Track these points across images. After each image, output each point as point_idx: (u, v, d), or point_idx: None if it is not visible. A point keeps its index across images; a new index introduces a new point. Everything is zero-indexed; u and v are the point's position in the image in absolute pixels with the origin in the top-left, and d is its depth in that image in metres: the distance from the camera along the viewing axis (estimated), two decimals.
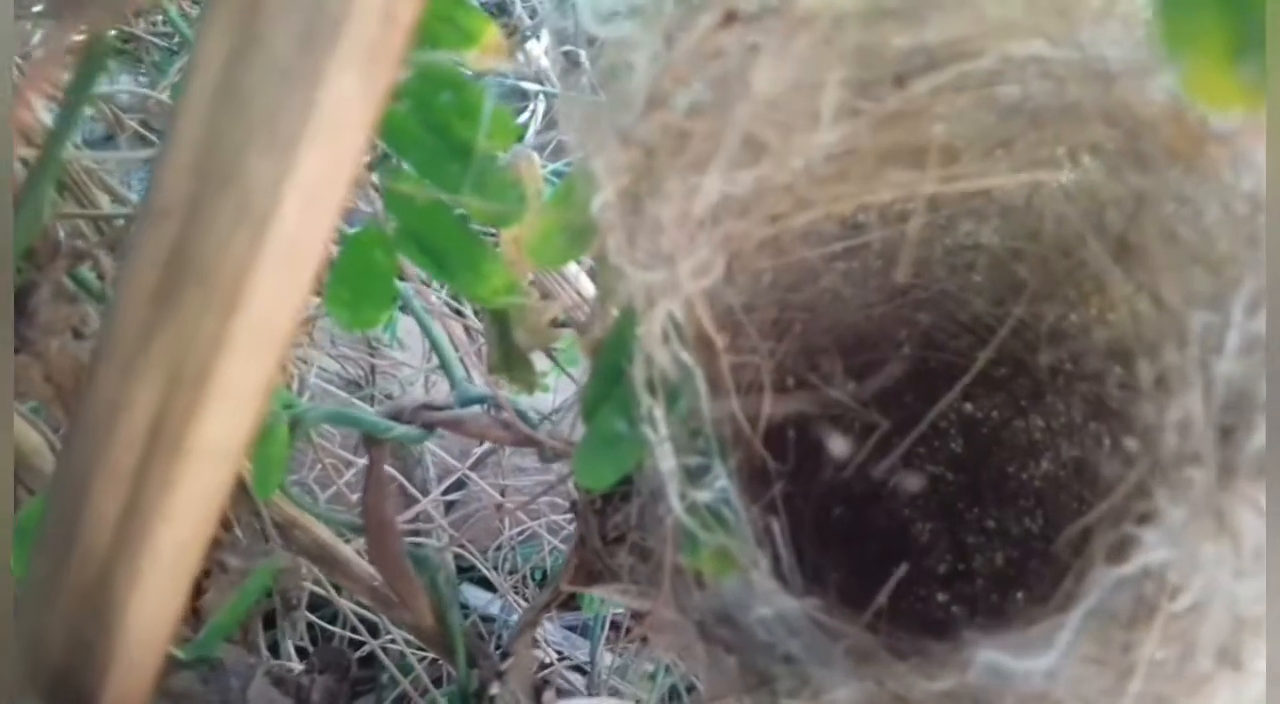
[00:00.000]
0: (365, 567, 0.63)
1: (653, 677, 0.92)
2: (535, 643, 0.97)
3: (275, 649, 0.70)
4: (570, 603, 1.11)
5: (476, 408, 0.54)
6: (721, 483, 0.31)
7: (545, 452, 0.52)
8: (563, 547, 1.07)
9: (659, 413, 0.30)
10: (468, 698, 0.53)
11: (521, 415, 0.53)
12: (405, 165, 0.32)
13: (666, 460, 0.30)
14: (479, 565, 1.02)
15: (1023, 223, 0.34)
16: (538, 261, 0.34)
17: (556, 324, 0.48)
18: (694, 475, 0.31)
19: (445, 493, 1.08)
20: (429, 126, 0.30)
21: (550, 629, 1.09)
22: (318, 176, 0.21)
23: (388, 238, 0.33)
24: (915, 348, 0.39)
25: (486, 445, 1.13)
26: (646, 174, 0.27)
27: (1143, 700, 0.26)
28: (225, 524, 0.49)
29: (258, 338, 0.22)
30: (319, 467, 0.85)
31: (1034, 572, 0.37)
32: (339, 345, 1.03)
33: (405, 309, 0.70)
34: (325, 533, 0.61)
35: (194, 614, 0.48)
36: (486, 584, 1.06)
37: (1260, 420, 0.23)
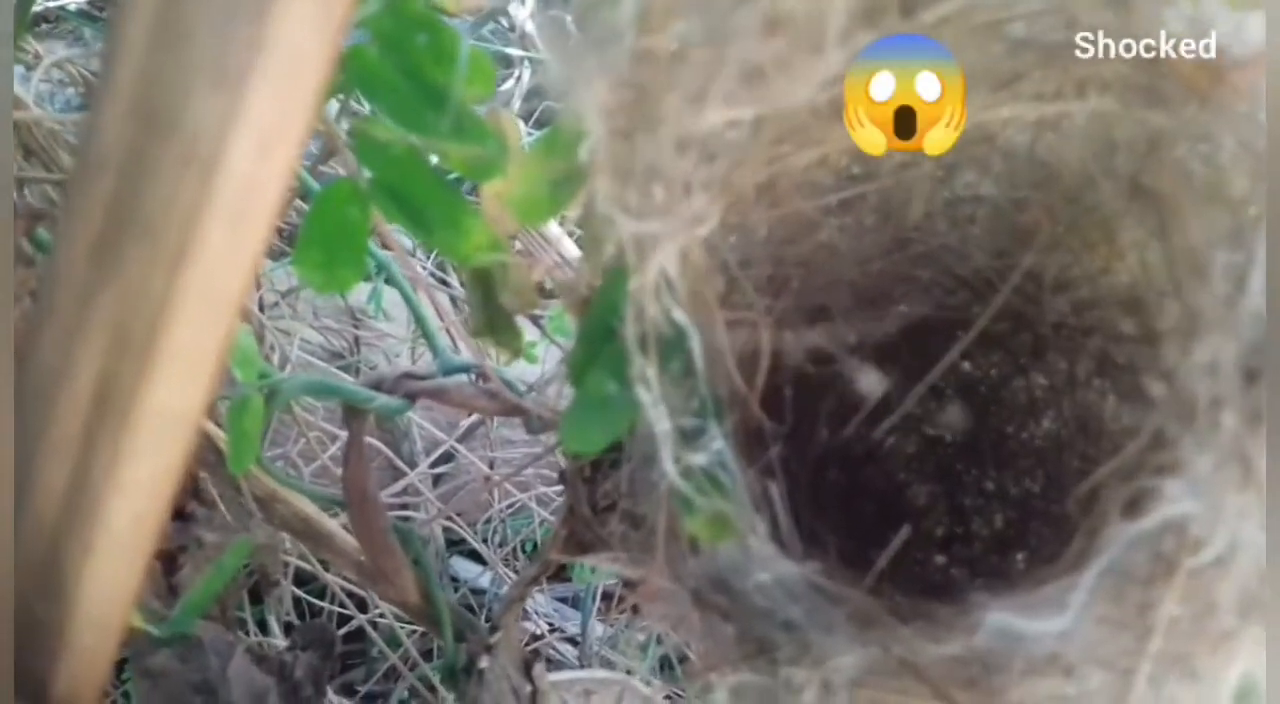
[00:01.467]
0: (350, 541, 0.61)
1: (644, 647, 0.92)
2: (525, 615, 0.97)
3: (263, 626, 0.69)
4: (561, 574, 1.11)
5: (461, 377, 0.52)
6: (717, 445, 0.30)
7: (532, 422, 0.51)
8: (553, 518, 1.06)
9: (652, 372, 0.28)
10: (456, 672, 0.52)
11: (507, 384, 0.51)
12: (378, 113, 0.30)
13: (661, 422, 0.28)
14: (469, 539, 1.01)
15: (1027, 170, 0.33)
16: (521, 216, 0.32)
17: (543, 291, 0.46)
18: (689, 438, 0.29)
19: (433, 466, 1.07)
20: (402, 70, 0.28)
21: (541, 601, 1.09)
22: (270, 118, 0.19)
23: (361, 192, 0.31)
24: (914, 305, 0.38)
25: (474, 417, 1.12)
26: (637, 113, 0.25)
27: (1162, 660, 0.25)
28: (200, 498, 0.47)
29: (209, 296, 0.21)
30: (303, 441, 0.83)
31: (1035, 532, 0.36)
32: (321, 317, 1.01)
33: (388, 279, 0.68)
34: (309, 508, 0.59)
35: (170, 591, 0.46)
36: (477, 557, 1.06)
37: None
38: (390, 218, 0.32)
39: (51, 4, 0.85)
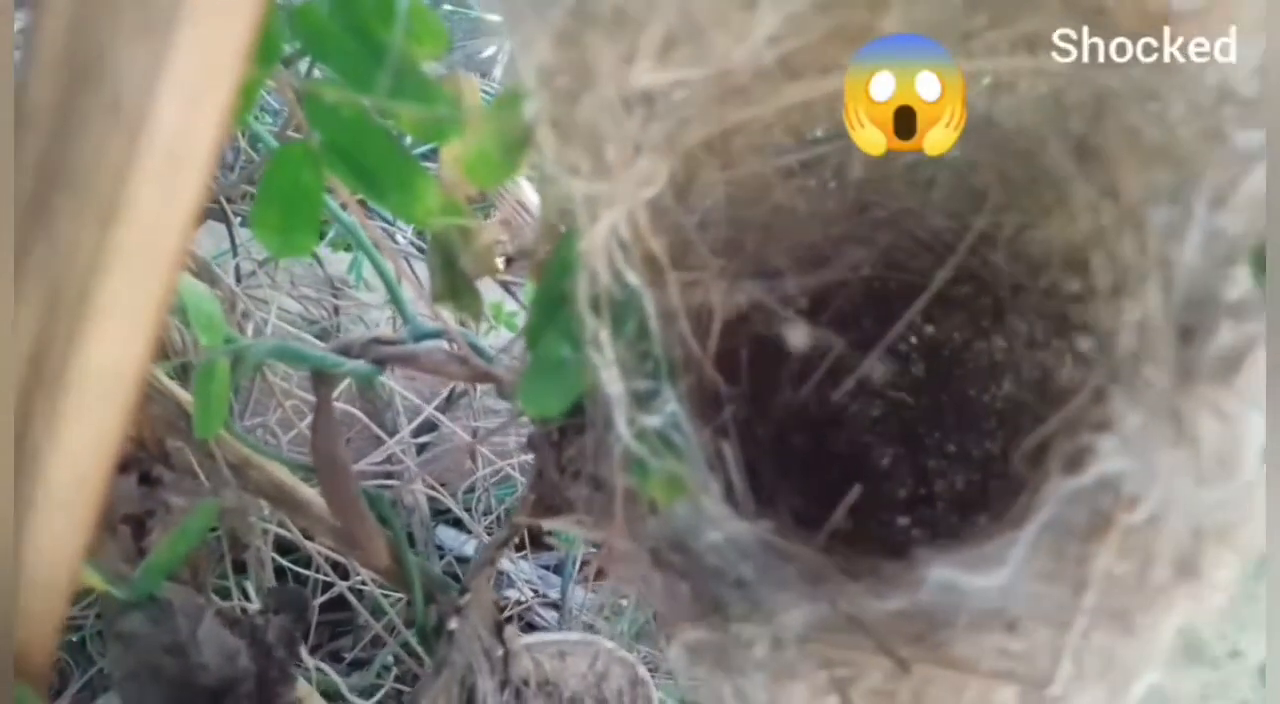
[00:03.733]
0: (326, 508, 0.62)
1: (619, 612, 0.93)
2: (510, 582, 0.97)
3: (247, 595, 0.69)
4: (542, 541, 1.11)
5: (431, 343, 0.52)
6: (671, 407, 0.30)
7: (503, 387, 0.51)
8: None
9: (605, 335, 0.29)
10: (426, 634, 0.52)
11: (477, 350, 0.51)
12: (328, 74, 0.30)
13: (614, 385, 0.29)
14: (452, 508, 1.01)
15: (981, 132, 0.33)
16: (473, 178, 0.32)
17: (507, 255, 0.46)
18: (643, 400, 0.30)
19: (416, 435, 1.07)
20: (350, 28, 0.27)
21: (525, 567, 1.09)
22: (196, 68, 0.19)
23: (315, 154, 0.31)
24: (874, 268, 0.38)
25: (458, 387, 1.12)
26: (580, 73, 0.25)
27: (1099, 615, 0.26)
28: (170, 464, 0.47)
29: (142, 252, 0.21)
30: (279, 410, 0.83)
31: (995, 492, 0.37)
32: (299, 285, 1.01)
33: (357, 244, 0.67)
34: (283, 474, 0.59)
35: (139, 555, 0.47)
36: (462, 526, 1.06)
37: (1224, 323, 0.22)
38: (342, 180, 0.31)
39: None
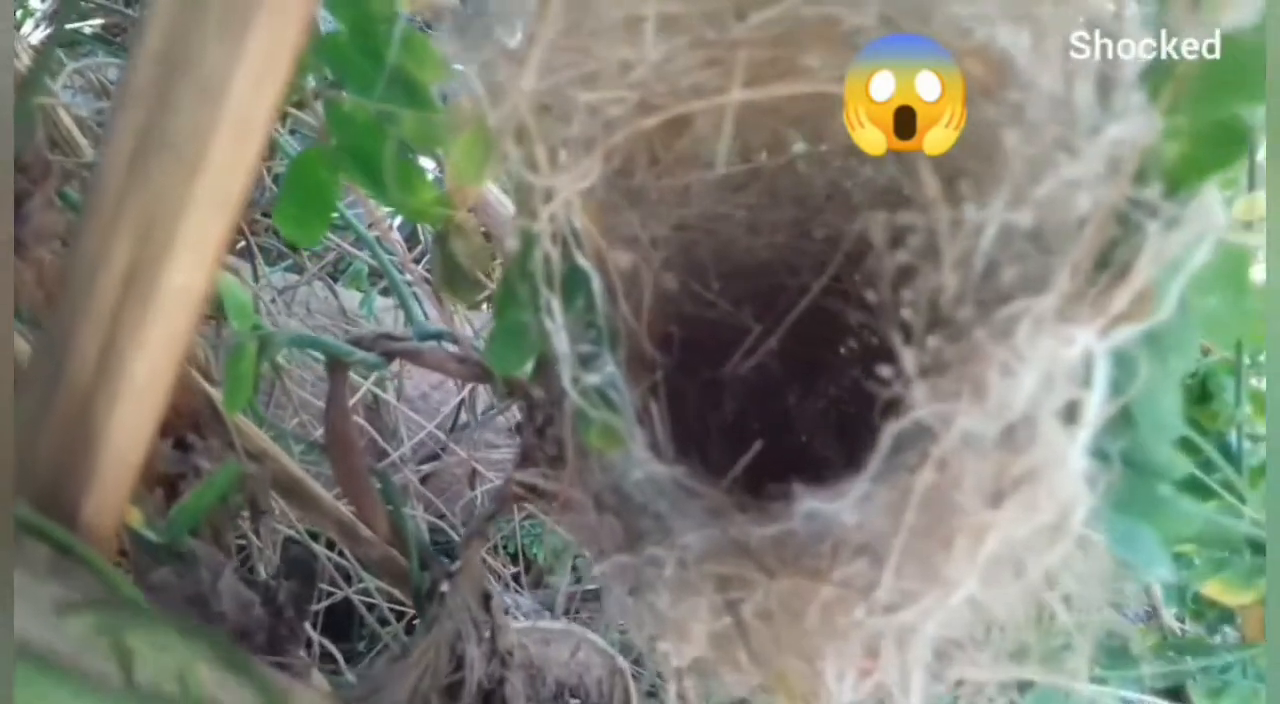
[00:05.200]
0: (333, 502, 0.68)
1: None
2: (505, 611, 1.04)
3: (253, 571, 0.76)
4: (541, 581, 1.17)
5: (434, 342, 0.59)
6: (609, 369, 0.35)
7: (498, 386, 0.57)
8: (529, 519, 1.14)
9: (556, 304, 0.34)
10: (420, 597, 0.59)
11: (478, 351, 0.58)
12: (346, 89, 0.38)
13: (561, 346, 0.34)
14: (453, 536, 1.08)
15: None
16: (459, 178, 0.39)
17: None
18: (586, 361, 0.35)
19: (420, 463, 1.15)
20: (361, 50, 0.35)
21: (524, 602, 1.14)
22: (264, 58, 0.27)
23: (330, 157, 0.39)
24: (779, 266, 0.45)
25: (462, 419, 1.20)
26: (531, 90, 0.32)
27: (920, 535, 0.31)
28: (198, 431, 0.54)
29: (216, 196, 0.29)
30: (296, 421, 0.91)
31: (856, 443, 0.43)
32: (315, 314, 1.09)
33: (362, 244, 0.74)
34: (295, 468, 0.66)
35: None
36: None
37: (1012, 300, 0.29)
38: (351, 178, 0.39)
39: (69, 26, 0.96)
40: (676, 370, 0.43)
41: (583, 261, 0.35)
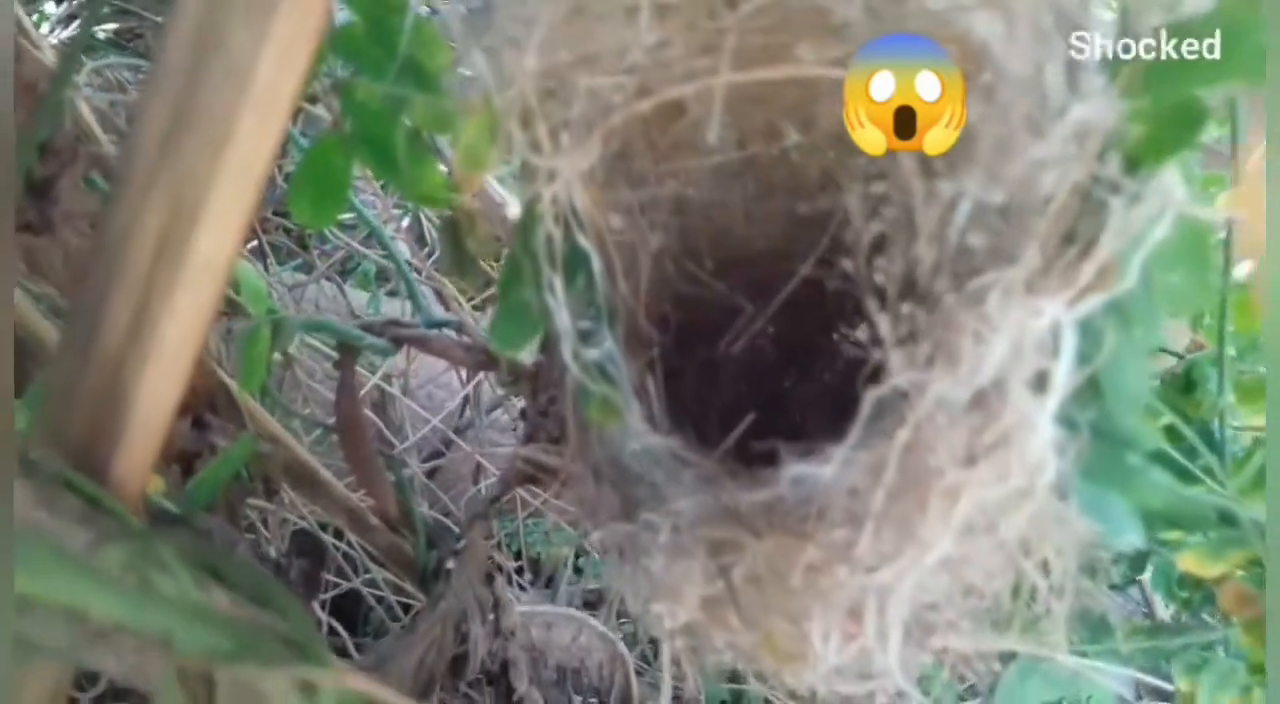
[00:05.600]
0: (342, 489, 0.70)
1: None
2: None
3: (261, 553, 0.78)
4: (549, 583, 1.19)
5: (441, 330, 0.61)
6: (608, 345, 0.36)
7: (503, 374, 0.60)
8: (532, 517, 1.16)
9: (558, 282, 0.36)
10: (426, 573, 0.61)
11: (483, 337, 0.60)
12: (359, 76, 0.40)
13: (563, 322, 0.36)
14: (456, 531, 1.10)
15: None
16: (466, 165, 0.41)
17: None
18: (585, 337, 0.36)
19: (425, 460, 1.17)
20: (375, 40, 0.38)
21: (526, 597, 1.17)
22: (288, 42, 0.29)
23: (345, 144, 0.41)
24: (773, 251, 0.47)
25: (466, 417, 1.22)
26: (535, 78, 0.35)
27: (898, 496, 0.33)
28: (215, 410, 0.57)
29: (242, 170, 0.31)
30: (307, 411, 0.93)
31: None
32: (325, 311, 1.11)
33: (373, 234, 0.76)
34: (306, 456, 0.68)
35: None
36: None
37: (984, 272, 0.30)
38: (364, 162, 0.41)
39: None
40: (673, 349, 0.45)
41: (583, 241, 0.37)
